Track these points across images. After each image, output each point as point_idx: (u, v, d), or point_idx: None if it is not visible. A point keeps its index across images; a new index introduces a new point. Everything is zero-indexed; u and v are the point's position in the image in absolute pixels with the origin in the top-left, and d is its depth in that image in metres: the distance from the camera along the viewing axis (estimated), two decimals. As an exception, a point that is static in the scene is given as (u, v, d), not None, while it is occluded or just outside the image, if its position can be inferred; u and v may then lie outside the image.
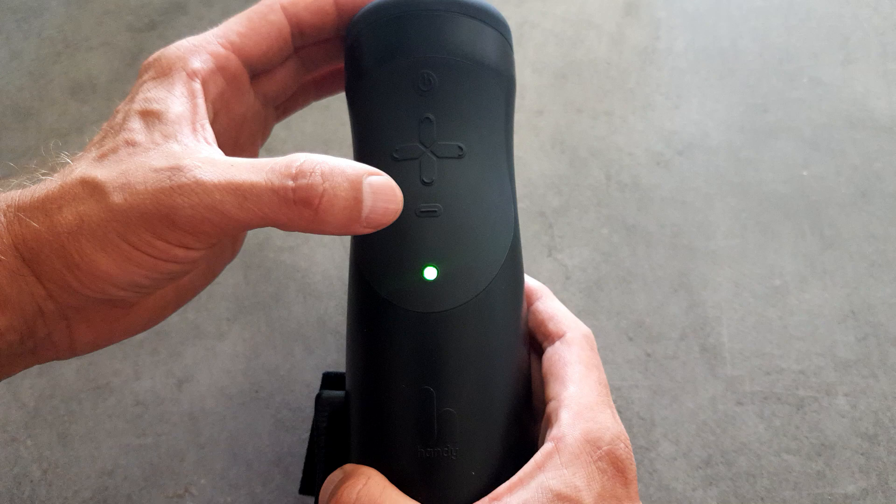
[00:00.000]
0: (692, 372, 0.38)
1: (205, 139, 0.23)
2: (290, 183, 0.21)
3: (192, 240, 0.21)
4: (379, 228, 0.23)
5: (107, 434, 0.37)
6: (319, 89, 0.32)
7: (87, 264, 0.21)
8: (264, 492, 0.35)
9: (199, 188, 0.20)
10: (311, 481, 0.29)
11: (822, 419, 0.36)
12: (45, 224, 0.21)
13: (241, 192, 0.20)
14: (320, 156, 0.22)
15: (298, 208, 0.21)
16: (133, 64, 0.53)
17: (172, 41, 0.25)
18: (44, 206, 0.21)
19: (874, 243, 0.42)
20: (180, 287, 0.27)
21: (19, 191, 0.22)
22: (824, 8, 0.54)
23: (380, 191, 0.22)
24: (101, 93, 0.52)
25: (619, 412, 0.37)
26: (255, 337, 0.40)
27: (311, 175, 0.21)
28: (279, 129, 0.49)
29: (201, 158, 0.21)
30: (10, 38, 0.56)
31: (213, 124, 0.25)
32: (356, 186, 0.22)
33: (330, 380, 0.31)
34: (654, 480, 0.35)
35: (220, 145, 0.25)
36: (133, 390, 0.38)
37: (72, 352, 0.24)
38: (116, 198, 0.20)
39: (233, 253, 0.29)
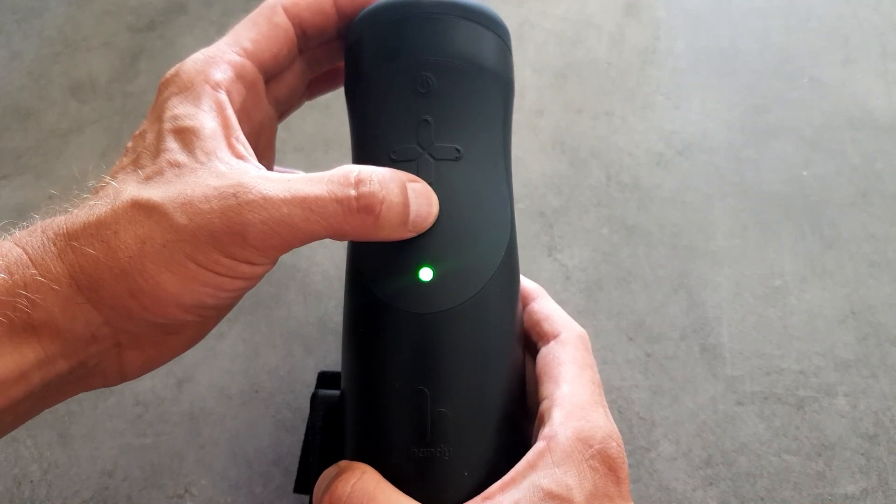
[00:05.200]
0: (692, 372, 0.38)
1: (244, 153, 0.23)
2: (353, 192, 0.22)
3: (259, 255, 0.22)
4: (420, 232, 0.24)
5: (107, 434, 0.37)
6: (327, 85, 0.33)
7: (153, 287, 0.21)
8: (264, 492, 0.35)
9: (268, 203, 0.21)
10: (306, 480, 0.29)
11: (823, 419, 0.36)
12: (103, 250, 0.20)
13: (307, 205, 0.21)
14: (366, 166, 0.23)
15: (361, 216, 0.22)
16: (133, 64, 0.53)
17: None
18: (98, 233, 0.21)
19: (874, 243, 0.42)
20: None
21: (63, 217, 0.22)
22: (824, 8, 0.54)
23: (421, 195, 0.24)
24: (101, 93, 0.52)
25: (619, 412, 0.37)
26: (255, 337, 0.40)
27: (370, 183, 0.22)
28: (279, 130, 0.49)
29: (257, 176, 0.22)
30: (10, 38, 0.56)
31: None
32: (404, 192, 0.23)
33: (326, 379, 0.31)
34: (654, 480, 0.35)
35: None
36: (133, 390, 0.38)
37: (121, 378, 0.24)
38: (180, 218, 0.20)
39: None
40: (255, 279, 0.23)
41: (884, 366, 0.38)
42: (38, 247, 0.21)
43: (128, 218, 0.21)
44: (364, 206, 0.22)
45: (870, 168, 0.45)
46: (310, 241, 0.22)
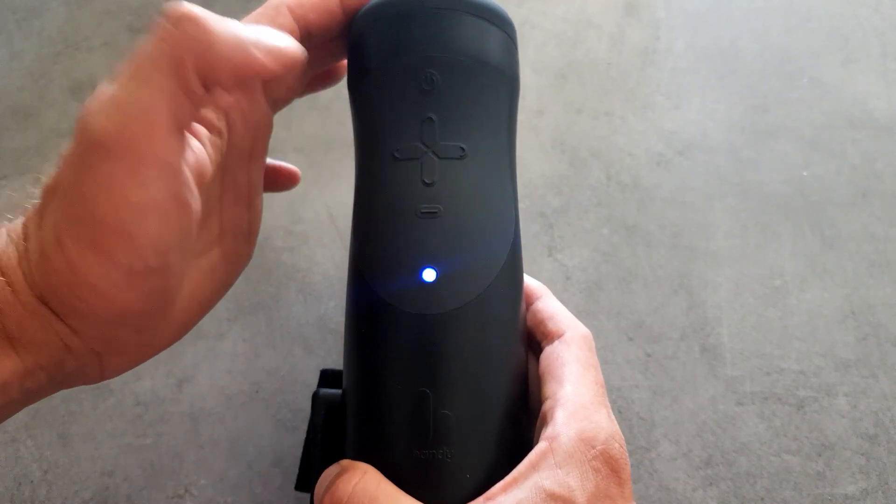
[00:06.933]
0: (692, 372, 0.38)
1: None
2: None
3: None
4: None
5: (107, 434, 0.37)
6: (321, 83, 0.32)
7: (72, 270, 0.19)
8: (264, 492, 0.35)
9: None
10: (307, 478, 0.29)
11: (823, 419, 0.36)
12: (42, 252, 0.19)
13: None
14: None
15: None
16: (133, 64, 0.53)
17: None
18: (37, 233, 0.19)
19: (874, 243, 0.42)
20: (202, 299, 0.25)
21: (24, 218, 0.21)
22: (824, 8, 0.54)
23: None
24: (101, 93, 0.52)
25: (620, 412, 0.37)
26: (255, 337, 0.40)
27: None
28: (279, 130, 0.48)
29: None
30: (10, 38, 0.56)
31: (230, 136, 0.24)
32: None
33: (328, 377, 0.31)
34: (654, 481, 0.35)
35: (238, 156, 0.25)
36: (133, 390, 0.38)
37: (102, 378, 0.23)
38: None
39: (248, 256, 0.28)
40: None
41: (884, 366, 0.38)
42: (3, 253, 0.20)
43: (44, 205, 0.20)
44: None
45: (870, 168, 0.45)
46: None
